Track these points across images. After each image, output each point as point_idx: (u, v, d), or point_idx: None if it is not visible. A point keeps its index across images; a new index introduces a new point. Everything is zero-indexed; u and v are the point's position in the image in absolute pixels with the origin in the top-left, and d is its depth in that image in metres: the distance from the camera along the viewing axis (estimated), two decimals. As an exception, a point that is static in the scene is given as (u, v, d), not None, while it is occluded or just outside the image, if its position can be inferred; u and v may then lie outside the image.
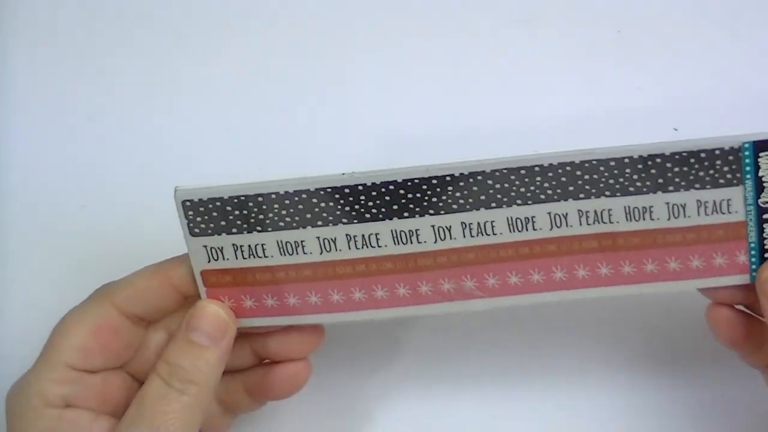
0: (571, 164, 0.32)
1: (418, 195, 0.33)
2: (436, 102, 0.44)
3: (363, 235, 0.33)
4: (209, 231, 0.34)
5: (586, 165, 0.32)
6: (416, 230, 0.33)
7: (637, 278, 0.34)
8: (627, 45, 0.45)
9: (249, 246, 0.34)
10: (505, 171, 0.32)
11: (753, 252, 0.33)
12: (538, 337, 0.41)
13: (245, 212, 0.33)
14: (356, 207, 0.33)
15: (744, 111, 0.44)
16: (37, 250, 0.44)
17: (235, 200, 0.33)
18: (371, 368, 0.42)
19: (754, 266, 0.33)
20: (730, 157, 0.32)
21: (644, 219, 0.33)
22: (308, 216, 0.33)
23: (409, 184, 0.33)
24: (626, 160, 0.32)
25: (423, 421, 0.41)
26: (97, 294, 0.34)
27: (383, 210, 0.33)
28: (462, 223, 0.33)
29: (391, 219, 0.33)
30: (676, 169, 0.32)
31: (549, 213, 0.33)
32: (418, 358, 0.41)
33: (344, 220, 0.33)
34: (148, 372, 0.34)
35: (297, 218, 0.33)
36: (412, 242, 0.33)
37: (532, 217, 0.33)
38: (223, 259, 0.34)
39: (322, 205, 0.33)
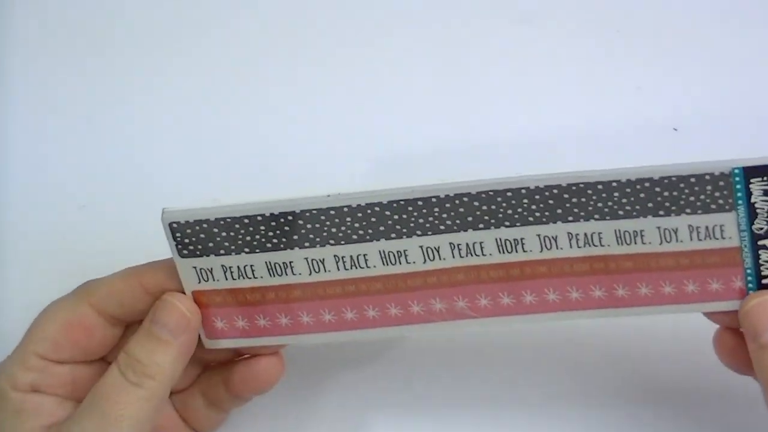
0: (558, 187, 0.32)
1: (404, 216, 0.32)
2: (432, 114, 0.44)
3: (351, 256, 0.33)
4: (197, 252, 0.33)
5: (573, 188, 0.32)
6: (404, 251, 0.33)
7: (632, 301, 0.33)
8: (626, 45, 0.45)
9: (238, 267, 0.33)
10: (491, 193, 0.32)
11: (749, 278, 0.33)
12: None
13: (232, 234, 0.33)
14: (342, 228, 0.33)
15: (743, 111, 0.44)
16: (37, 250, 0.44)
17: (222, 222, 0.33)
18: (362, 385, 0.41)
19: (751, 291, 0.33)
20: (721, 183, 0.32)
21: (636, 243, 0.33)
22: (295, 237, 0.33)
23: (395, 205, 0.32)
24: (614, 184, 0.32)
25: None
26: (78, 290, 0.35)
27: (370, 231, 0.33)
28: (450, 243, 0.33)
29: (378, 240, 0.33)
30: (666, 194, 0.32)
31: (538, 235, 0.33)
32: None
33: (331, 242, 0.33)
34: None
35: (284, 240, 0.33)
36: (400, 262, 0.33)
37: (522, 238, 0.33)
38: (213, 279, 0.34)
39: (308, 227, 0.33)
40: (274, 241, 0.33)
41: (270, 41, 0.46)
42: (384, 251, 0.33)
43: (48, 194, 0.45)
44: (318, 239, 0.33)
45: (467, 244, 0.33)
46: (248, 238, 0.33)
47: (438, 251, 0.33)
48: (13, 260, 0.44)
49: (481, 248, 0.33)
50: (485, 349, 0.40)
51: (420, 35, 0.46)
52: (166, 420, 0.37)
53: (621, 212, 0.32)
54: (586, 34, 0.45)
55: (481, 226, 0.33)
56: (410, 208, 0.32)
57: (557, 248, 0.33)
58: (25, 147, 0.45)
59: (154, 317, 0.33)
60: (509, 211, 0.32)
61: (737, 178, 0.32)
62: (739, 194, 0.32)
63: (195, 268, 0.34)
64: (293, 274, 0.34)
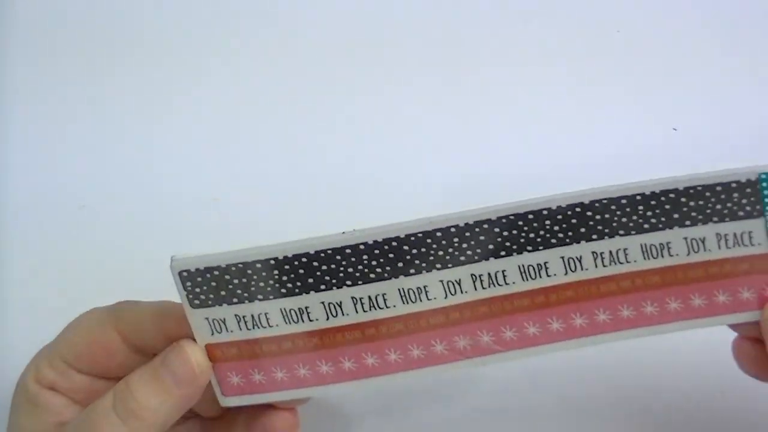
0: (580, 205, 0.31)
1: (423, 249, 0.31)
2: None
3: (369, 297, 0.32)
4: (209, 302, 0.32)
5: (596, 205, 0.31)
6: (425, 287, 0.32)
7: (660, 318, 0.33)
8: (627, 45, 0.45)
9: (252, 316, 0.32)
10: (512, 217, 0.31)
11: None
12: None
13: (244, 280, 0.32)
14: (359, 267, 0.32)
15: (743, 111, 0.44)
16: (37, 250, 0.44)
17: (233, 268, 0.32)
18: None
19: None
20: (748, 190, 0.31)
21: (663, 256, 0.32)
22: (310, 281, 0.32)
23: (413, 238, 0.31)
24: (638, 197, 0.31)
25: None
26: (112, 309, 0.34)
27: (388, 269, 0.32)
28: (472, 275, 0.32)
29: (397, 277, 0.32)
30: (692, 204, 0.31)
31: (562, 257, 0.32)
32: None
33: (348, 282, 0.32)
34: None
35: (299, 284, 0.32)
36: (421, 300, 0.32)
37: (545, 263, 0.32)
38: (227, 330, 0.32)
39: (324, 268, 0.32)
40: (289, 285, 0.32)
41: (270, 43, 0.46)
42: (404, 289, 0.32)
43: (48, 194, 0.45)
44: (334, 280, 0.32)
45: (489, 274, 0.32)
46: (261, 284, 0.32)
47: (459, 284, 0.32)
48: (13, 260, 0.44)
49: (504, 277, 0.32)
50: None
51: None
52: None
53: (646, 225, 0.32)
54: (586, 34, 0.45)
55: (503, 253, 0.32)
56: (429, 240, 0.31)
57: (582, 269, 0.32)
58: (25, 147, 0.45)
59: (166, 360, 0.32)
60: (531, 235, 0.32)
61: (764, 184, 0.31)
62: (767, 200, 0.31)
63: (207, 319, 0.32)
64: (309, 320, 0.32)
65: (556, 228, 0.32)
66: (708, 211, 0.32)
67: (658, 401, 0.39)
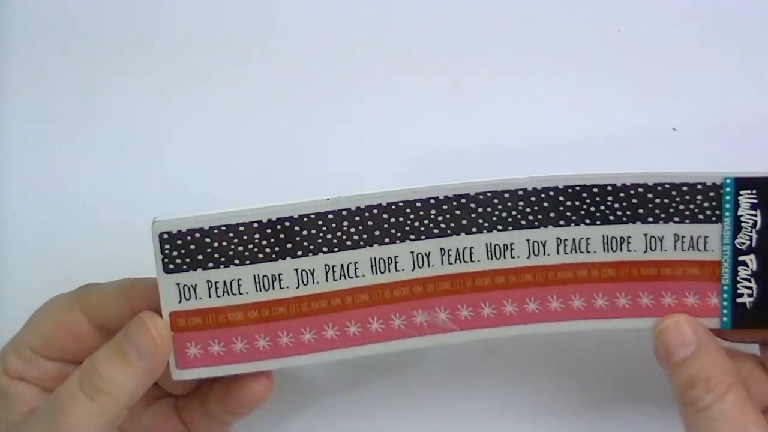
0: (554, 189, 0.32)
1: (401, 219, 0.32)
2: (432, 119, 0.44)
3: (341, 265, 0.33)
4: (184, 266, 0.32)
5: (569, 191, 0.32)
6: (395, 257, 0.33)
7: (610, 313, 0.33)
8: (625, 46, 0.45)
9: (224, 282, 0.33)
10: (489, 194, 0.32)
11: (725, 295, 0.33)
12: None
13: (224, 243, 0.32)
14: (338, 234, 0.32)
15: (741, 113, 0.44)
16: (37, 250, 0.44)
17: (215, 231, 0.32)
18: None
19: (725, 310, 0.33)
20: (711, 193, 0.32)
21: (621, 250, 0.33)
22: (289, 246, 0.32)
23: (393, 207, 0.32)
24: (609, 188, 0.32)
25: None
26: (76, 293, 0.34)
27: (365, 236, 0.32)
28: (441, 249, 0.33)
29: (371, 245, 0.33)
30: (657, 201, 0.32)
31: (528, 240, 0.33)
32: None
33: (324, 249, 0.32)
34: None
35: (277, 249, 0.32)
36: (389, 270, 0.33)
37: (511, 244, 0.33)
38: (196, 298, 0.33)
39: (304, 233, 0.32)
40: (267, 250, 0.32)
41: (270, 43, 0.46)
42: (375, 258, 0.33)
43: (48, 194, 0.44)
44: (312, 247, 0.32)
45: (458, 249, 0.33)
46: (240, 248, 0.32)
47: (428, 257, 0.33)
48: (13, 260, 0.44)
49: (471, 254, 0.33)
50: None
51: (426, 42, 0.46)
52: (169, 424, 0.36)
53: (612, 217, 0.32)
54: (585, 35, 0.45)
55: (474, 230, 0.33)
56: (408, 210, 0.32)
57: (545, 254, 0.33)
58: (25, 147, 0.45)
59: (127, 333, 0.32)
60: (503, 214, 0.32)
61: (728, 189, 0.32)
62: (727, 206, 0.32)
63: (178, 285, 0.33)
64: (280, 288, 0.33)
65: (528, 210, 0.32)
66: (671, 210, 0.32)
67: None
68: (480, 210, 0.32)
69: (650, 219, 0.32)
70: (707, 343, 0.32)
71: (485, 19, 0.46)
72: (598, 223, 0.33)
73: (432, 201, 0.32)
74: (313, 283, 0.33)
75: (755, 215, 0.32)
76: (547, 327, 0.33)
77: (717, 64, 0.44)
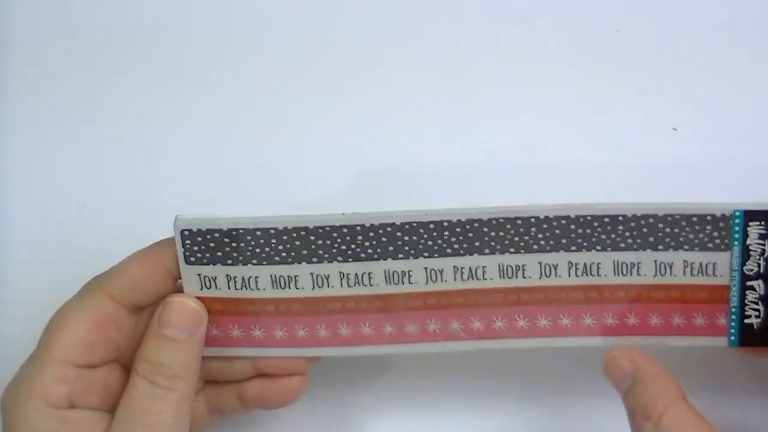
0: (566, 218, 0.33)
1: (414, 238, 0.33)
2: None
3: (356, 274, 0.34)
4: (204, 260, 0.34)
5: (581, 220, 0.33)
6: (409, 271, 0.34)
7: (619, 330, 0.34)
8: (625, 46, 0.45)
9: (243, 278, 0.34)
10: (501, 220, 0.33)
11: (733, 317, 0.34)
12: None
13: (242, 245, 0.33)
14: (353, 246, 0.33)
15: (743, 111, 0.44)
16: (37, 250, 0.44)
17: (233, 233, 0.33)
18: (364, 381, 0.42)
19: (733, 330, 0.34)
20: (721, 224, 0.33)
21: (631, 274, 0.33)
22: (304, 252, 0.33)
23: (407, 227, 0.33)
24: (620, 218, 0.33)
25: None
26: (91, 286, 0.34)
27: (379, 250, 0.33)
28: (454, 267, 0.34)
29: (385, 259, 0.33)
30: (667, 230, 0.33)
31: (540, 263, 0.33)
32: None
33: (339, 258, 0.33)
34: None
35: (293, 254, 0.33)
36: (403, 283, 0.34)
37: (523, 265, 0.34)
38: (216, 288, 0.34)
39: (320, 242, 0.33)
40: (283, 254, 0.33)
41: (269, 44, 0.46)
42: (389, 271, 0.34)
43: (48, 194, 0.45)
44: (327, 255, 0.33)
45: (470, 268, 0.34)
46: (258, 250, 0.33)
47: (441, 273, 0.34)
48: (13, 260, 0.44)
49: (483, 273, 0.34)
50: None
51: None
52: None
53: (623, 244, 0.33)
54: (585, 33, 0.45)
55: (486, 251, 0.33)
56: (421, 231, 0.33)
57: (556, 276, 0.34)
58: (25, 147, 0.45)
59: (168, 320, 0.33)
60: (516, 238, 0.33)
61: (737, 220, 0.33)
62: (736, 235, 0.33)
63: (199, 275, 0.34)
64: (296, 288, 0.34)
65: (540, 236, 0.33)
66: (681, 239, 0.33)
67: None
68: (492, 234, 0.33)
69: (660, 247, 0.33)
70: (645, 371, 0.32)
71: (485, 20, 0.46)
72: (608, 249, 0.33)
73: (445, 224, 0.33)
74: (328, 286, 0.34)
75: (764, 245, 0.33)
76: (557, 341, 0.34)
77: (718, 65, 0.44)
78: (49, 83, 0.46)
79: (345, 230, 0.33)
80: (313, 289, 0.34)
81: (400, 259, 0.33)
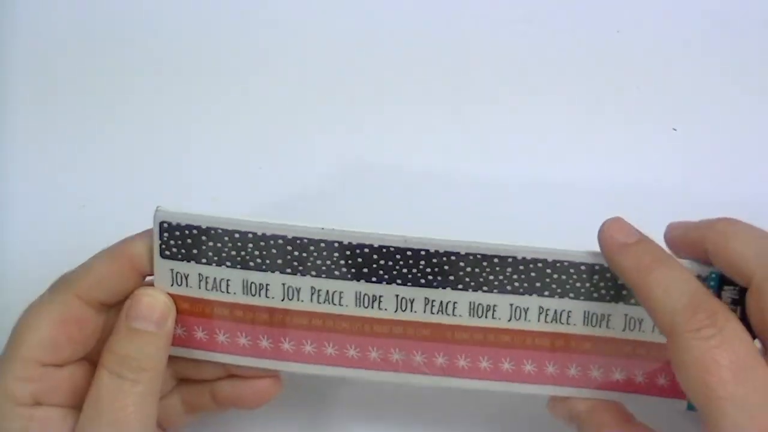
0: (543, 261, 0.33)
1: (390, 263, 0.33)
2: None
3: (327, 291, 0.33)
4: (179, 256, 0.33)
5: (557, 265, 0.33)
6: (380, 296, 0.33)
7: (581, 382, 0.34)
8: (627, 45, 0.45)
9: (214, 279, 0.33)
10: (479, 256, 0.33)
11: None
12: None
13: (219, 245, 0.33)
14: (327, 263, 0.33)
15: (743, 111, 0.44)
16: (37, 250, 0.44)
17: (212, 231, 0.33)
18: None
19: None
20: None
21: (600, 326, 0.33)
22: (279, 261, 0.33)
23: (384, 250, 0.33)
24: (596, 267, 0.33)
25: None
26: (59, 285, 0.34)
27: (353, 270, 0.33)
28: (426, 298, 0.33)
29: (358, 280, 0.33)
30: None
31: (511, 305, 0.33)
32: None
33: (313, 273, 0.33)
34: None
35: (267, 261, 0.33)
36: (373, 307, 0.33)
37: (494, 305, 0.33)
38: (186, 286, 0.34)
39: (296, 254, 0.33)
40: (258, 260, 0.33)
41: (269, 45, 0.46)
42: (360, 293, 0.33)
43: (48, 194, 0.45)
44: (301, 268, 0.33)
45: (441, 302, 0.33)
46: (233, 252, 0.33)
47: (411, 303, 0.33)
48: (14, 260, 0.44)
49: (454, 308, 0.33)
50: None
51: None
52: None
53: (596, 294, 0.33)
54: (585, 33, 0.45)
55: (460, 286, 0.33)
56: (398, 256, 0.33)
57: (525, 320, 0.33)
58: (25, 147, 0.45)
59: (137, 313, 0.33)
60: (490, 277, 0.33)
61: (712, 283, 0.32)
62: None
63: (172, 270, 0.34)
64: (266, 297, 0.33)
65: (515, 277, 0.33)
66: None
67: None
68: (468, 269, 0.33)
69: (632, 301, 0.33)
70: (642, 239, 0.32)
71: (485, 20, 0.46)
72: (581, 298, 0.33)
73: (422, 252, 0.33)
74: (298, 300, 0.33)
75: (735, 310, 0.32)
76: (518, 387, 0.34)
77: (719, 64, 0.44)
78: (50, 84, 0.46)
79: (322, 245, 0.33)
80: (282, 300, 0.33)
81: (373, 282, 0.33)
